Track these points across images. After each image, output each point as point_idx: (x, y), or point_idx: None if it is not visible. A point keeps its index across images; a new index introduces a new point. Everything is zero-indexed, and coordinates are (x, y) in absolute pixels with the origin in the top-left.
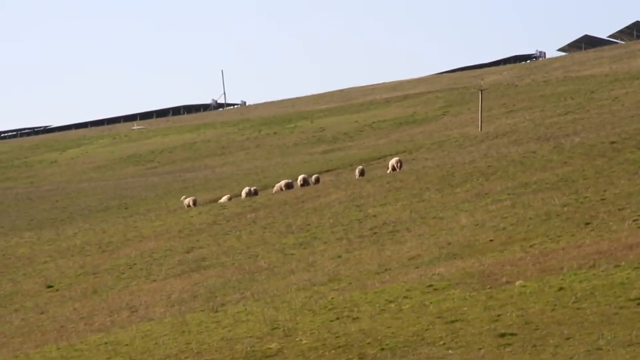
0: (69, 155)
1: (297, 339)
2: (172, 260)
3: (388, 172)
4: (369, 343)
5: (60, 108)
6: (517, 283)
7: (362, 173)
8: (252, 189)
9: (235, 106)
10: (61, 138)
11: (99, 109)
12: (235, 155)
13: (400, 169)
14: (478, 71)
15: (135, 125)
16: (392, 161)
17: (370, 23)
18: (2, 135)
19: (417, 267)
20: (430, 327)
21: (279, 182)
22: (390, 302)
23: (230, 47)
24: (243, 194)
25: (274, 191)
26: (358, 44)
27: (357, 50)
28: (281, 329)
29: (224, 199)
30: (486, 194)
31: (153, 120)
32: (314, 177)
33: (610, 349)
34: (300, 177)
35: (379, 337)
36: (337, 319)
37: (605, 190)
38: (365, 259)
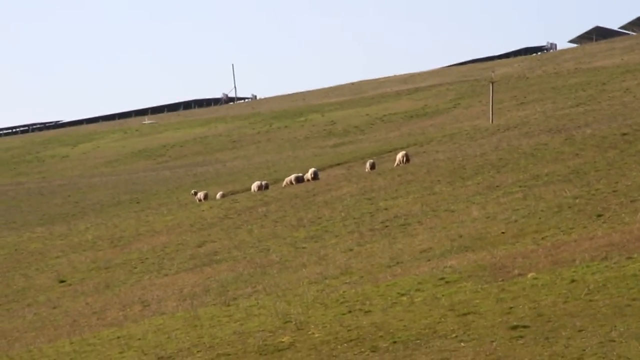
0: (80, 150)
1: (309, 333)
2: (184, 255)
3: (395, 165)
4: (381, 336)
5: (71, 103)
6: (529, 275)
7: (372, 166)
8: (263, 182)
9: (246, 100)
10: (73, 133)
11: (110, 104)
12: (246, 149)
13: (407, 162)
14: (489, 63)
15: (147, 120)
16: (399, 155)
17: (381, 16)
18: (14, 130)
19: (429, 260)
20: (442, 319)
21: (289, 175)
22: (402, 295)
23: (241, 41)
24: (254, 187)
25: (283, 185)
26: (368, 37)
27: (368, 43)
28: (293, 323)
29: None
30: (497, 186)
31: (164, 115)
32: (310, 171)
33: (623, 340)
34: (311, 171)
35: (391, 330)
36: (349, 312)
37: (617, 182)
38: (377, 252)
